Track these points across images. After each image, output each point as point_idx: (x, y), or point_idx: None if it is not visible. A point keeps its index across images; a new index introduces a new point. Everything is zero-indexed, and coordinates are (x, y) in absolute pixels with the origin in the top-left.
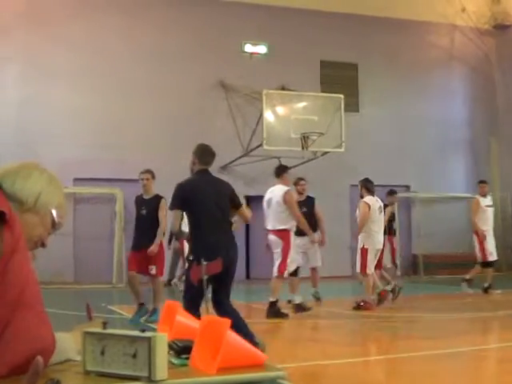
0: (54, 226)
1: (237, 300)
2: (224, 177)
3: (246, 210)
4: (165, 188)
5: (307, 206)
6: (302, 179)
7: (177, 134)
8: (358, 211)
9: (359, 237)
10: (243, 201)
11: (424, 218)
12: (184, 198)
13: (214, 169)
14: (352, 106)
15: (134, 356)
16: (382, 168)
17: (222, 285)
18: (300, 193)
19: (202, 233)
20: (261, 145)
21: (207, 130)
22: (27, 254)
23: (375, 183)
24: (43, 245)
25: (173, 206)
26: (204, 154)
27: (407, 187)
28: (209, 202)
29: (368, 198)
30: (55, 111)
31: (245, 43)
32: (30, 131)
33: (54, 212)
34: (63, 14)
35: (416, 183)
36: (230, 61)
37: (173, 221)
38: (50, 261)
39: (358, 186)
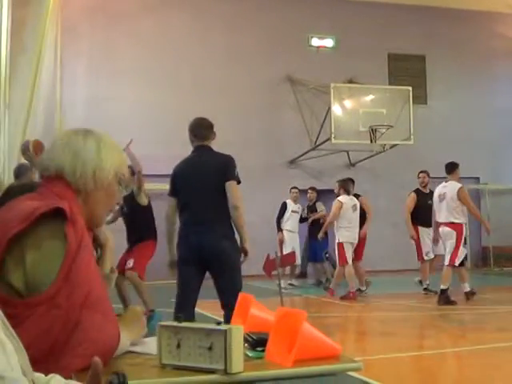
0: (122, 183)
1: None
2: (292, 171)
3: (234, 188)
4: None
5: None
6: (422, 172)
7: (245, 130)
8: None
9: (336, 233)
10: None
11: (494, 209)
12: (173, 181)
13: (282, 163)
14: (420, 98)
15: (210, 349)
16: (450, 160)
17: (217, 287)
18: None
19: (181, 218)
20: (329, 139)
21: (275, 124)
22: (91, 248)
23: (445, 175)
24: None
25: (168, 192)
26: (195, 127)
27: (476, 179)
28: (192, 185)
29: (342, 197)
30: (124, 107)
31: (311, 37)
32: (97, 127)
33: (116, 175)
34: (132, 8)
35: (485, 175)
36: (297, 55)
37: (167, 209)
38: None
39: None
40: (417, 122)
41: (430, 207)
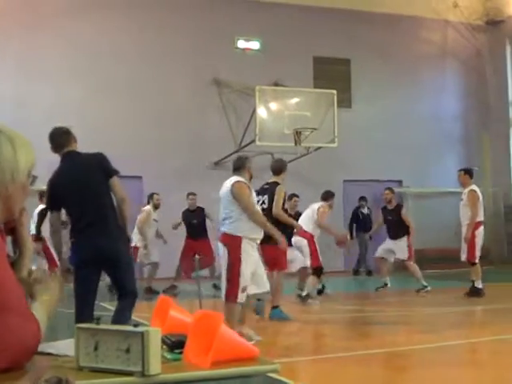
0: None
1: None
2: (217, 173)
3: (117, 182)
4: (155, 188)
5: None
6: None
7: (170, 131)
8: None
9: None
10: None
11: (416, 212)
12: (53, 194)
13: (207, 165)
14: (345, 101)
15: (128, 351)
16: (374, 163)
17: (115, 281)
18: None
19: (72, 227)
20: (254, 141)
21: (200, 126)
22: (2, 252)
23: (368, 178)
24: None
25: (48, 208)
26: (51, 137)
27: (399, 182)
28: (77, 192)
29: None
30: (54, 109)
31: (238, 39)
32: (25, 129)
33: (29, 173)
34: (63, 9)
35: (408, 178)
36: (223, 57)
37: (53, 224)
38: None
39: (348, 182)
40: (341, 125)
41: (390, 222)
